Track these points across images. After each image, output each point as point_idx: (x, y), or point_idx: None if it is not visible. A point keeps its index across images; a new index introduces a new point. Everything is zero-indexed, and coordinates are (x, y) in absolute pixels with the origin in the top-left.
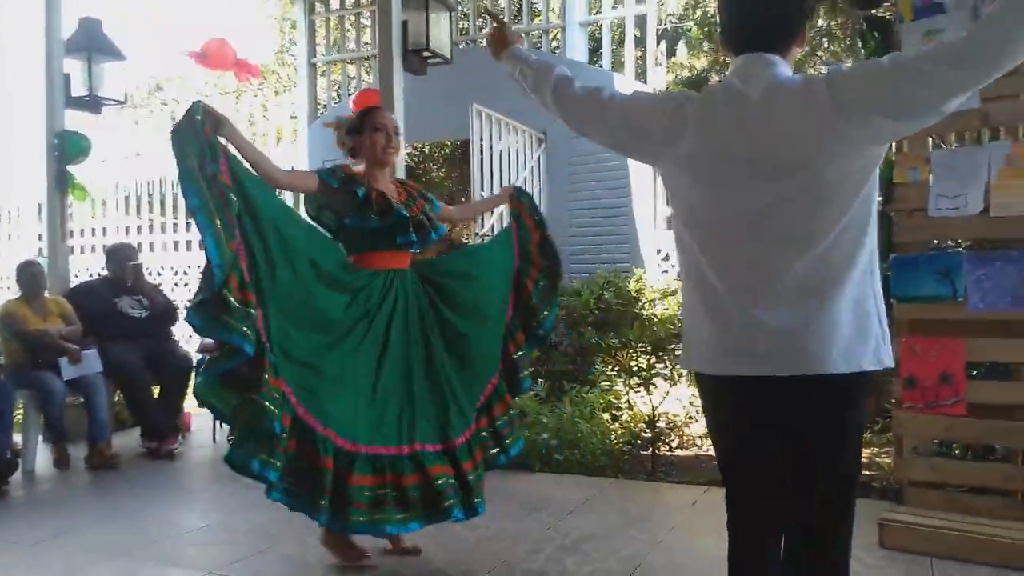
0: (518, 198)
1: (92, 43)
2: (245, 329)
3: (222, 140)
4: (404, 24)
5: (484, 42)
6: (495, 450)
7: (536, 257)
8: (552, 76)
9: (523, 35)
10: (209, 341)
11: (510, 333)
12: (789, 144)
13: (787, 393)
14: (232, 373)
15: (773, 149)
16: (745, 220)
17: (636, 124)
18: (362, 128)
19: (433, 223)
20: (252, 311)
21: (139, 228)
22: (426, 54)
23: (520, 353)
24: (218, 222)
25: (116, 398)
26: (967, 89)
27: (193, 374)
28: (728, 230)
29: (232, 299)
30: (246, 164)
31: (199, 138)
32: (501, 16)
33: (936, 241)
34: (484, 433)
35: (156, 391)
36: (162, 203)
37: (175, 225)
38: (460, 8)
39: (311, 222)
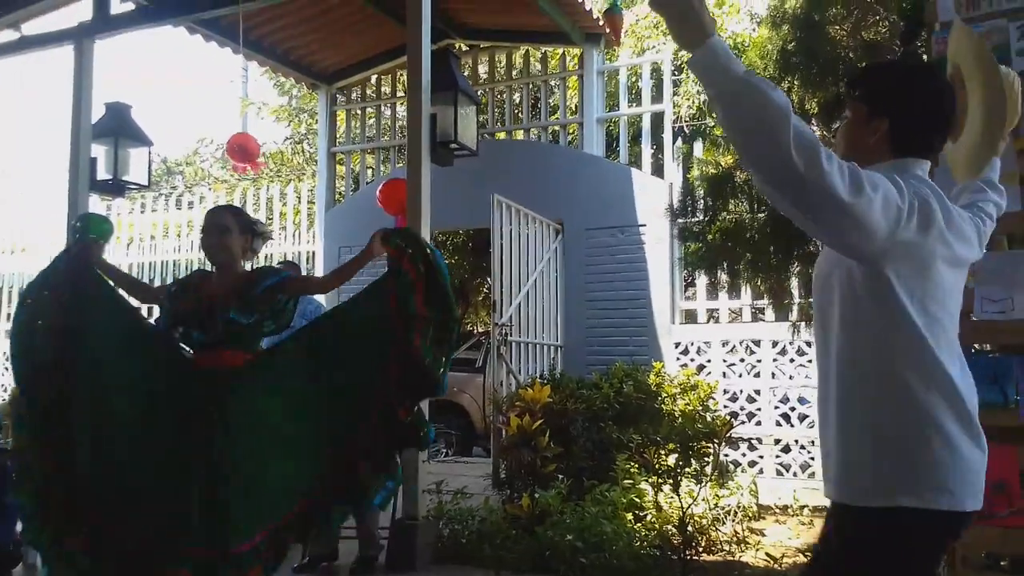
0: (394, 243)
1: (119, 128)
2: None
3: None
4: (433, 117)
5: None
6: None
7: (422, 309)
8: (792, 115)
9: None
10: None
11: (390, 409)
12: (969, 245)
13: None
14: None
15: (963, 247)
16: (954, 315)
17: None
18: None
19: (233, 328)
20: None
21: (149, 311)
22: (453, 146)
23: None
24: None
25: None
26: None
27: None
28: (947, 329)
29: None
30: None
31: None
32: None
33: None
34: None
35: None
36: None
37: None
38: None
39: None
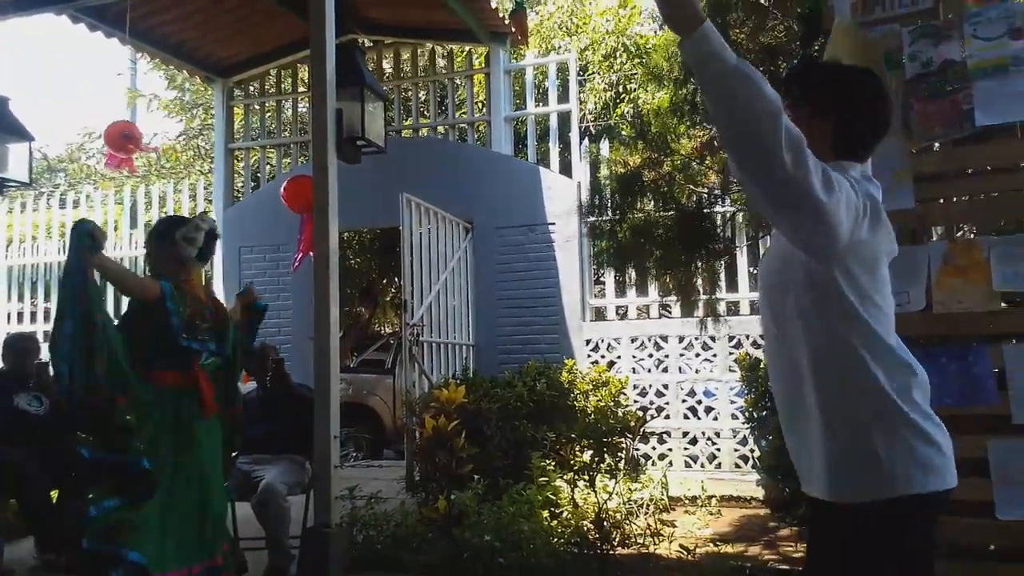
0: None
1: None
2: None
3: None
4: (339, 113)
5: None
6: None
7: None
8: (784, 116)
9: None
10: None
11: None
12: (892, 239)
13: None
14: None
15: (893, 242)
16: (893, 306)
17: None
18: None
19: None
20: None
21: (32, 315)
22: (360, 143)
23: None
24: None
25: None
26: None
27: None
28: (891, 320)
29: None
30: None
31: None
32: None
33: None
34: None
35: (54, 496)
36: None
37: None
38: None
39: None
